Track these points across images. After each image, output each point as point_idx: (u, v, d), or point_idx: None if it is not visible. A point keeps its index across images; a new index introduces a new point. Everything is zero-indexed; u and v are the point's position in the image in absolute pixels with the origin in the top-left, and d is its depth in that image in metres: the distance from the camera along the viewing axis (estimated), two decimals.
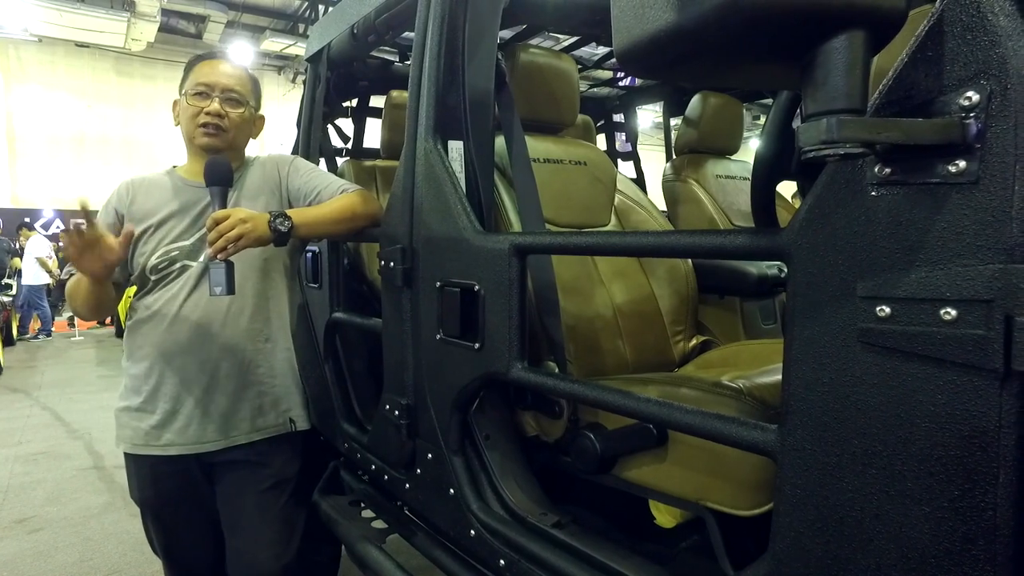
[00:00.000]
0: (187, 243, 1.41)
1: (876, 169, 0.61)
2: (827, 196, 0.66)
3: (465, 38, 1.31)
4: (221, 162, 1.35)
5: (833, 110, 0.54)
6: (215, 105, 1.42)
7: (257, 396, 1.45)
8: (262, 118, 1.57)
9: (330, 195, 1.49)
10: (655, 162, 3.07)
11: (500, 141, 1.42)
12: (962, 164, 0.55)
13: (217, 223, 1.25)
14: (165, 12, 9.98)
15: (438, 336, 1.25)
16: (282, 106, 12.80)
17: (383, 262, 1.43)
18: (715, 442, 0.82)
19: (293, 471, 1.50)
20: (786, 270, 0.70)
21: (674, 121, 2.75)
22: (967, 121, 0.55)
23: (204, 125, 1.42)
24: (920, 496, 0.59)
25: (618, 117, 2.95)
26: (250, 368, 1.44)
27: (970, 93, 0.55)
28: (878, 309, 0.61)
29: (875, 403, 0.62)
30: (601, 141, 2.97)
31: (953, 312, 0.56)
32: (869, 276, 0.62)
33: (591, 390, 0.97)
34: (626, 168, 2.98)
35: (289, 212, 1.36)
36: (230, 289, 1.26)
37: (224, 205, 1.32)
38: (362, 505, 1.76)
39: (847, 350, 0.64)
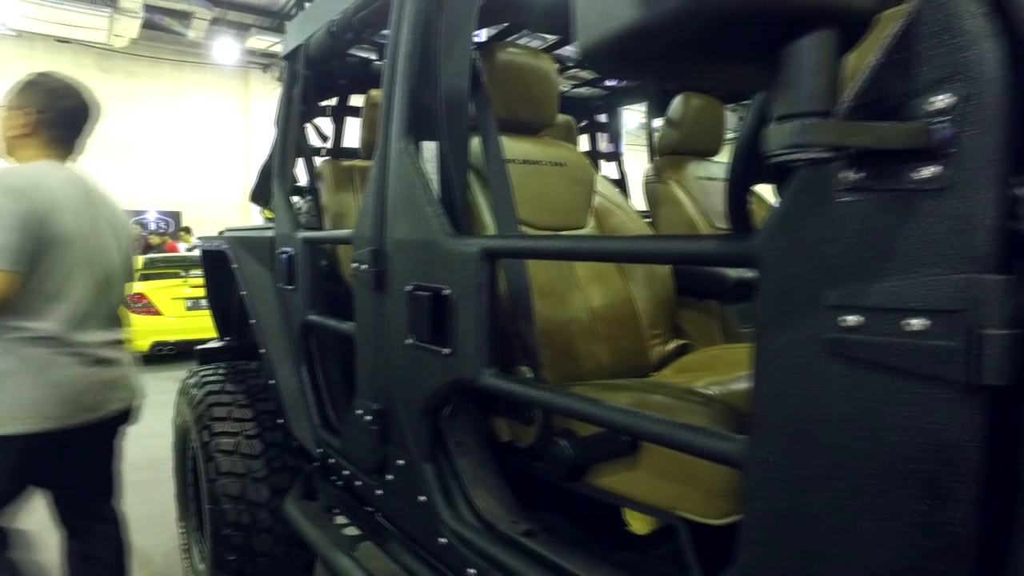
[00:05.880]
0: None
1: (846, 174, 0.59)
2: (797, 201, 0.64)
3: (440, 37, 1.29)
4: None
5: (801, 112, 0.52)
6: None
7: None
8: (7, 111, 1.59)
9: None
10: (643, 162, 3.05)
11: (476, 142, 1.39)
12: (932, 170, 0.54)
13: None
14: (148, 8, 9.84)
15: (408, 341, 1.22)
16: (267, 104, 12.71)
17: (355, 264, 1.41)
18: (681, 451, 0.80)
19: None
20: None
21: (657, 122, 2.74)
22: (938, 126, 0.53)
23: None
24: (886, 511, 0.57)
25: (602, 117, 2.93)
26: None
27: (941, 97, 0.53)
28: (846, 319, 0.59)
29: (843, 415, 0.60)
30: (587, 143, 2.95)
31: (921, 323, 0.54)
32: (838, 284, 0.60)
33: (559, 398, 0.94)
34: (610, 169, 2.98)
35: None
36: None
37: None
38: (335, 511, 1.73)
39: (815, 360, 0.62)
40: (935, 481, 0.54)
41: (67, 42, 10.76)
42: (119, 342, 1.75)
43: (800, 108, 0.52)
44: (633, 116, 10.29)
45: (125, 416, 1.80)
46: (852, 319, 0.59)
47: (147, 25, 10.47)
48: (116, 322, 1.76)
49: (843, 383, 0.60)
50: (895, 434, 0.56)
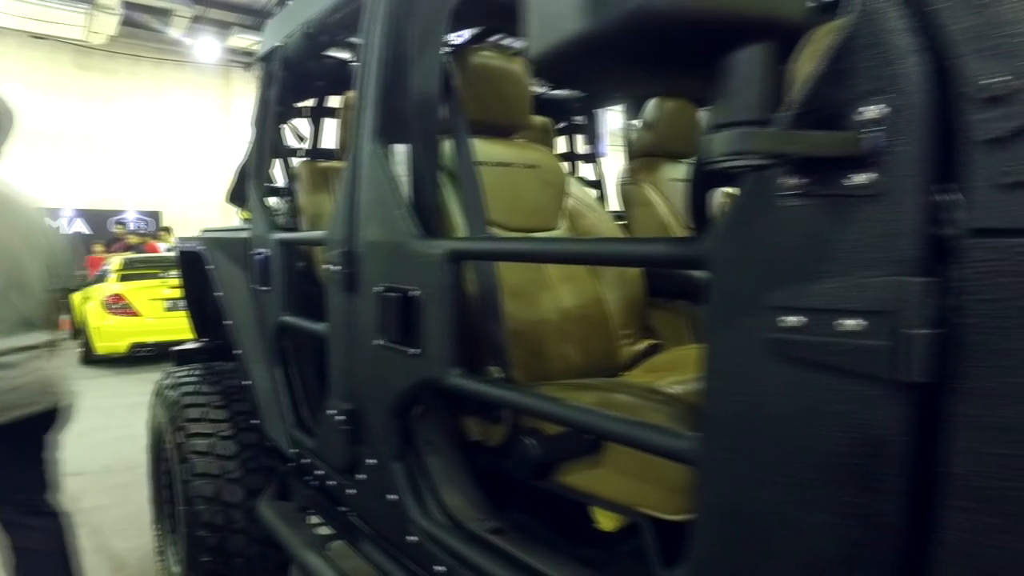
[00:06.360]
0: None
1: (788, 180, 0.62)
2: (743, 205, 0.67)
3: (411, 40, 1.30)
4: None
5: (739, 121, 0.54)
6: None
7: None
8: None
9: None
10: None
11: (449, 145, 1.41)
12: (863, 177, 0.56)
13: None
14: (128, 5, 9.72)
15: (378, 341, 1.24)
16: (249, 103, 12.59)
17: (327, 266, 1.42)
18: (638, 449, 0.82)
19: None
20: None
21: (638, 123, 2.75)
22: (868, 135, 0.56)
23: None
24: (823, 504, 0.60)
25: (580, 119, 2.95)
26: None
27: (871, 108, 0.56)
28: (788, 319, 0.61)
29: (784, 413, 0.62)
30: (566, 144, 2.96)
31: (855, 323, 0.56)
32: (780, 286, 0.62)
33: (523, 397, 0.96)
34: (590, 171, 2.99)
35: None
36: None
37: None
38: (309, 511, 1.74)
39: (759, 360, 0.64)
40: (867, 474, 0.56)
41: (43, 38, 10.60)
42: (30, 348, 1.76)
43: (738, 117, 0.54)
44: (619, 117, 10.31)
45: (49, 417, 1.83)
46: (793, 320, 0.61)
47: (126, 22, 10.35)
48: (26, 328, 1.76)
49: (785, 382, 0.62)
50: (832, 430, 0.59)
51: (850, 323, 0.56)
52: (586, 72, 0.62)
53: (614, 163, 2.96)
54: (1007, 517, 0.49)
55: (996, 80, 0.49)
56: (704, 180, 1.07)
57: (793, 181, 0.61)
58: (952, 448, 0.52)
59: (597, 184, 2.90)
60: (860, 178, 0.56)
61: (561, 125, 2.91)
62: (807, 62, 0.61)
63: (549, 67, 0.62)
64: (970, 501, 0.51)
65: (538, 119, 2.38)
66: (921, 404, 0.54)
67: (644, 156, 2.27)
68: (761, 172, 0.63)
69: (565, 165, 2.77)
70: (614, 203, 2.39)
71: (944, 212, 0.53)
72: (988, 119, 0.50)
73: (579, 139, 2.98)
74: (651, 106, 2.27)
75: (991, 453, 0.50)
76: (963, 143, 0.52)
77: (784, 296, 0.62)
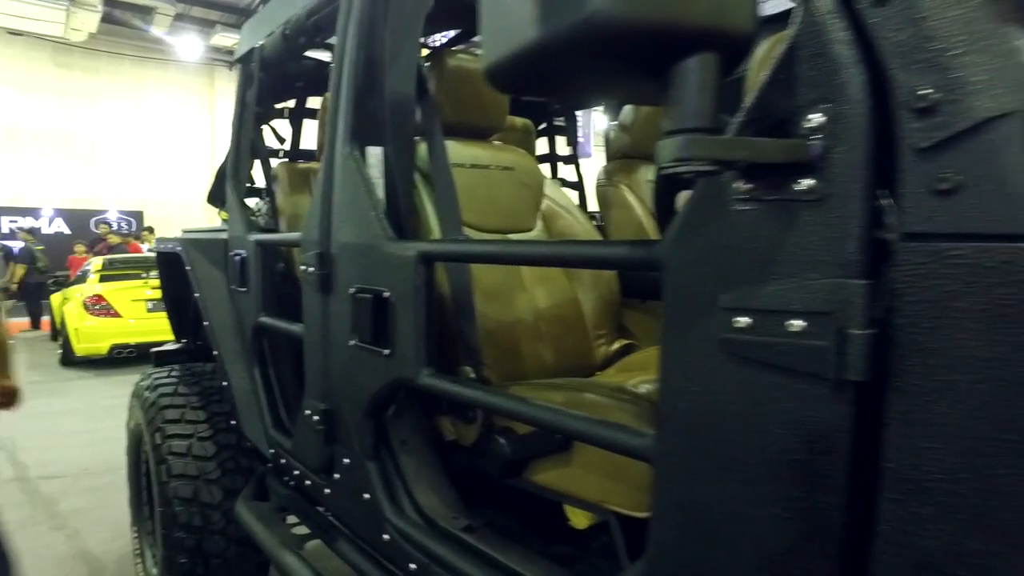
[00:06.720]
0: None
1: (738, 185, 0.64)
2: (697, 209, 0.69)
3: (385, 44, 1.31)
4: None
5: (686, 128, 0.56)
6: None
7: None
8: None
9: None
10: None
11: (424, 147, 1.42)
12: (808, 183, 0.58)
13: None
14: (109, 2, 9.63)
15: (352, 342, 1.25)
16: (232, 102, 12.51)
17: (303, 267, 1.43)
18: (600, 447, 0.84)
19: None
20: None
21: None
22: (812, 142, 0.58)
23: None
24: (771, 498, 0.62)
25: (560, 120, 2.97)
26: None
27: (815, 115, 0.58)
28: (738, 320, 0.63)
29: (735, 411, 0.64)
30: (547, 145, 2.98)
31: (800, 324, 0.58)
32: (731, 288, 0.64)
33: (490, 396, 0.98)
34: (572, 172, 3.01)
35: None
36: None
37: None
38: (287, 511, 1.75)
39: (711, 359, 0.66)
40: (811, 470, 0.59)
41: (20, 35, 10.46)
42: None
43: (687, 124, 0.56)
44: (604, 118, 10.35)
45: None
46: (743, 320, 0.63)
47: (107, 19, 10.25)
48: None
49: (736, 381, 0.64)
50: (779, 427, 0.61)
51: (796, 324, 0.59)
52: (540, 81, 0.64)
53: (600, 164, 2.98)
54: (936, 508, 0.51)
55: (926, 91, 0.51)
56: (669, 183, 1.09)
57: (743, 186, 0.63)
58: (888, 443, 0.55)
59: (577, 186, 2.92)
60: (805, 184, 0.58)
61: (542, 127, 2.93)
62: (760, 70, 0.64)
63: (502, 77, 0.64)
64: (904, 494, 0.53)
65: (518, 121, 2.39)
66: (861, 402, 0.56)
67: (621, 158, 2.29)
68: (713, 177, 0.65)
69: (545, 167, 2.79)
70: (594, 205, 2.41)
71: (883, 217, 0.55)
72: (920, 128, 0.52)
73: (560, 141, 3.01)
74: (627, 108, 2.29)
75: (922, 448, 0.52)
76: (899, 151, 0.54)
77: (735, 298, 0.64)
